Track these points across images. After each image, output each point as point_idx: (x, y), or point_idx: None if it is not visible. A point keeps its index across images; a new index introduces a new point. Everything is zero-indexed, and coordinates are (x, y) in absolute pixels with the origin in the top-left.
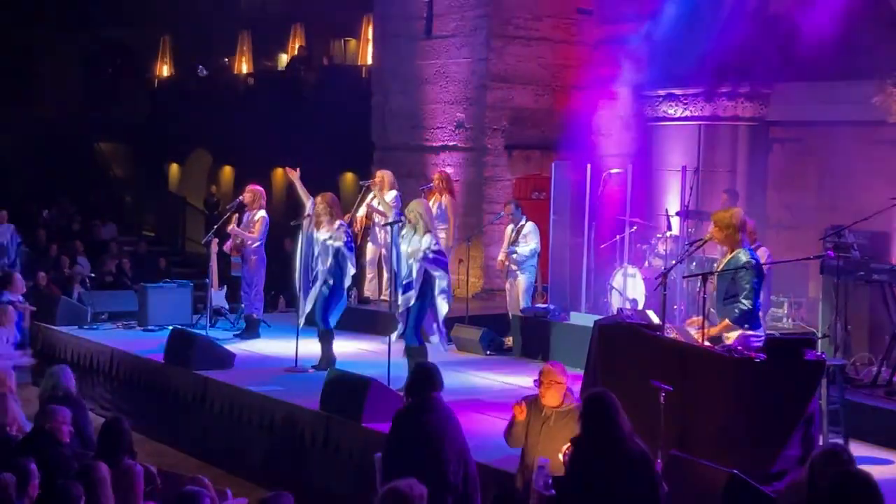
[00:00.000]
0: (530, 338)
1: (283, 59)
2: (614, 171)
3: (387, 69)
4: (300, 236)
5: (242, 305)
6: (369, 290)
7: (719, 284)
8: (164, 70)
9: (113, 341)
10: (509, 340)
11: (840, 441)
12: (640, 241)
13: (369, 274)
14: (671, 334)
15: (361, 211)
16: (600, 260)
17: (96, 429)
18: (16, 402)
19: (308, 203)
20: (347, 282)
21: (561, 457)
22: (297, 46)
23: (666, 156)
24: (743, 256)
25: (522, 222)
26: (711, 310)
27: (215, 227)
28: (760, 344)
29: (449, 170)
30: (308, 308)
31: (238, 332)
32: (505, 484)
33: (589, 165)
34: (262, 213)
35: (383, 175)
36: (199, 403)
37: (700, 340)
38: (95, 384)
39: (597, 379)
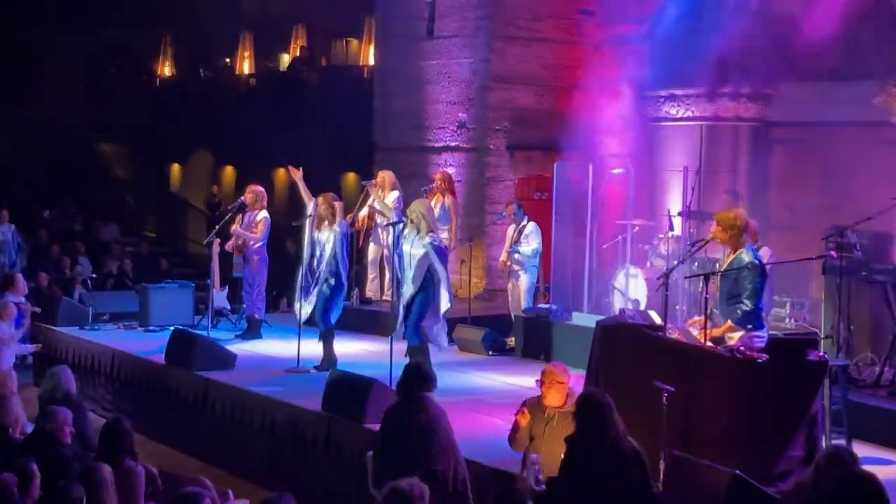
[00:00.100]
0: (532, 338)
1: (285, 59)
2: (616, 171)
3: (388, 70)
4: (304, 237)
5: (244, 306)
6: (371, 290)
7: (722, 285)
8: (166, 70)
9: (114, 342)
10: (511, 341)
11: (843, 441)
12: (642, 242)
13: (371, 274)
14: (673, 335)
15: (363, 211)
16: (602, 260)
17: (97, 430)
18: (18, 403)
19: (310, 204)
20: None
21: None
22: (298, 47)
23: (668, 156)
24: (746, 257)
25: (524, 222)
26: (715, 310)
27: (217, 227)
28: (763, 344)
29: (451, 170)
30: (308, 309)
31: (239, 333)
32: (506, 484)
33: (591, 166)
34: (264, 213)
35: (385, 176)
36: (200, 404)
37: (702, 341)
38: (97, 385)
39: (599, 379)
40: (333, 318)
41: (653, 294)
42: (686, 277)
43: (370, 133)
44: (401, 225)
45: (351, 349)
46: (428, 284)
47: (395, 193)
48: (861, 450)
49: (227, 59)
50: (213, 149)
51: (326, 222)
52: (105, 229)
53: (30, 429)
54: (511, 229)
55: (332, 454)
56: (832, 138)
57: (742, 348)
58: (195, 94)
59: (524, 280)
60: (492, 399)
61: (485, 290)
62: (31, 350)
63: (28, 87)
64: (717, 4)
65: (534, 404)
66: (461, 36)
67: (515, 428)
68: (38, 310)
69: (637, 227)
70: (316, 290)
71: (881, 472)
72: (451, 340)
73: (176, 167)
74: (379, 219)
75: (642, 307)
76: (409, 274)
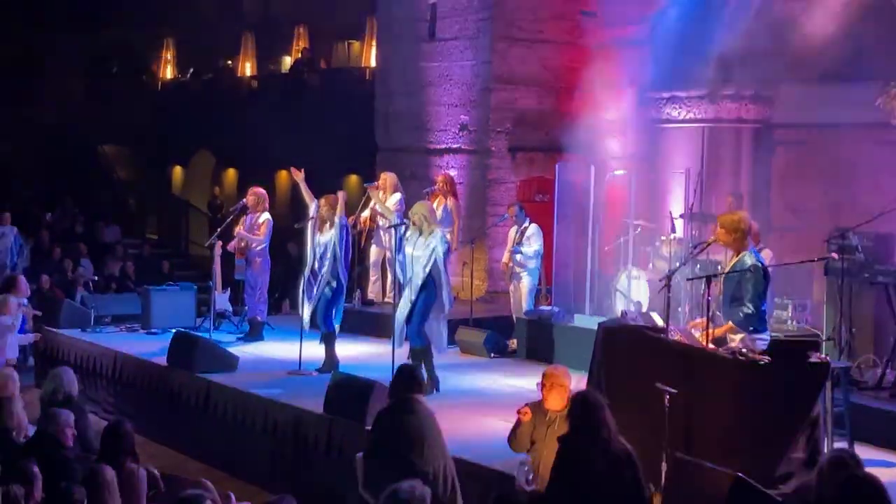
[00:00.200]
0: (534, 340)
1: (287, 61)
2: (618, 172)
3: (390, 71)
4: (306, 239)
5: (246, 308)
6: (373, 292)
7: (725, 288)
8: (168, 72)
9: (116, 344)
10: (513, 343)
11: (844, 444)
12: (644, 244)
13: (373, 276)
14: (675, 337)
15: (365, 213)
16: (604, 262)
17: (98, 432)
18: (20, 406)
19: (312, 206)
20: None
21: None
22: (300, 49)
23: (669, 158)
24: (748, 259)
25: (526, 224)
26: (717, 312)
27: (219, 229)
28: (765, 346)
29: (452, 172)
30: (310, 311)
31: (241, 335)
32: (506, 485)
33: (592, 167)
34: (267, 215)
35: (386, 178)
36: (202, 406)
37: (704, 343)
38: (99, 387)
39: (601, 381)
40: (336, 320)
41: (655, 296)
42: (688, 279)
43: (372, 135)
44: (402, 227)
45: (353, 351)
46: (430, 285)
47: (397, 195)
48: (863, 452)
49: (229, 61)
50: (214, 150)
51: (328, 224)
52: (107, 231)
53: (31, 431)
54: (513, 231)
55: (334, 456)
56: (834, 140)
57: (744, 350)
58: (197, 96)
59: (526, 282)
60: (493, 401)
61: (486, 292)
62: (31, 339)
63: (29, 89)
64: (718, 6)
65: (535, 407)
66: (463, 38)
67: (517, 425)
68: (38, 313)
69: (639, 229)
70: (317, 292)
71: (883, 475)
72: (452, 342)
73: (178, 169)
74: (380, 221)
75: (644, 309)
76: (412, 275)
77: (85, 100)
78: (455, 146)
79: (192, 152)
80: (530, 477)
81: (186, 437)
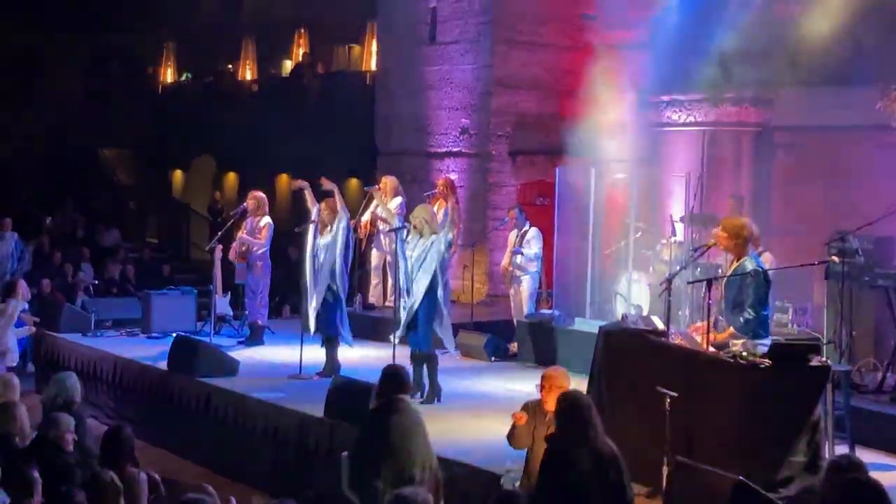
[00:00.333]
0: (535, 344)
1: (288, 65)
2: (618, 176)
3: (391, 75)
4: (306, 243)
5: (247, 312)
6: (374, 296)
7: (727, 293)
8: (168, 75)
9: (116, 349)
10: (514, 346)
11: (846, 447)
12: (645, 247)
13: (374, 280)
14: (676, 340)
15: (366, 217)
16: (605, 265)
17: (98, 438)
18: (23, 411)
19: (314, 210)
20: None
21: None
22: (301, 53)
23: (670, 161)
24: (749, 264)
25: (526, 227)
26: (720, 318)
27: (219, 233)
28: (765, 350)
29: (453, 176)
30: (314, 315)
31: (242, 339)
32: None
33: (593, 171)
34: (267, 219)
35: (387, 181)
36: (203, 411)
37: (705, 346)
38: (99, 392)
39: (601, 385)
40: (345, 327)
41: (655, 299)
42: (689, 283)
43: (372, 138)
44: (404, 231)
45: (354, 355)
46: (435, 292)
47: (398, 199)
48: (864, 456)
49: (230, 65)
50: (215, 154)
51: (329, 227)
52: (107, 235)
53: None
54: (513, 234)
55: (336, 461)
56: (835, 143)
57: (745, 353)
58: (197, 99)
59: (526, 285)
60: (493, 405)
61: (487, 295)
62: (27, 330)
63: (29, 90)
64: (718, 8)
65: (535, 408)
66: (463, 41)
67: (513, 428)
68: (36, 320)
69: (640, 233)
70: (318, 296)
71: (885, 479)
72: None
73: (178, 173)
74: (381, 225)
75: (645, 312)
76: (414, 279)
77: (85, 102)
78: (456, 150)
79: (192, 156)
80: (516, 484)
81: (187, 442)
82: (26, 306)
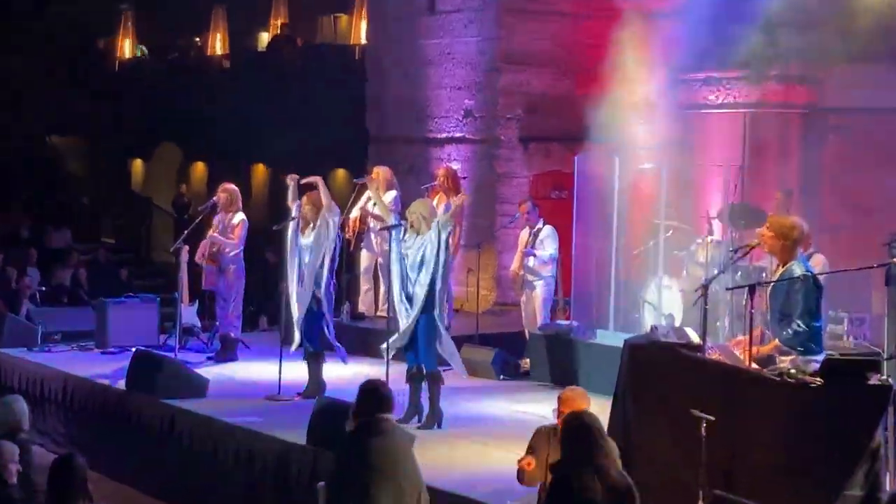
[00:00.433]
0: (550, 360)
1: (264, 37)
2: (646, 165)
3: (383, 49)
4: (286, 244)
5: (217, 323)
6: (364, 304)
7: (772, 302)
8: (126, 50)
9: (67, 366)
10: (526, 363)
11: None
12: (677, 248)
13: (364, 286)
14: (714, 355)
15: (354, 213)
16: (631, 269)
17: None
18: None
19: (293, 206)
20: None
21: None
22: (279, 23)
23: (706, 148)
24: (797, 269)
25: (539, 225)
26: (766, 331)
27: (186, 232)
28: (817, 366)
29: (456, 165)
30: (296, 327)
31: (212, 355)
32: None
33: (616, 159)
34: (241, 215)
35: (380, 172)
36: (166, 437)
37: (747, 363)
38: (47, 415)
39: (627, 407)
40: (330, 337)
41: (689, 308)
42: (728, 289)
43: (362, 122)
44: (400, 229)
45: (340, 372)
46: (432, 296)
47: (392, 193)
48: None
49: (197, 38)
50: (180, 141)
51: (312, 225)
52: (56, 235)
53: None
54: (524, 233)
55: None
56: (894, 126)
57: (793, 371)
58: (160, 78)
59: (540, 292)
60: (502, 430)
61: (495, 303)
62: None
63: None
64: None
65: (550, 435)
66: (466, 10)
67: (520, 471)
68: None
69: (671, 231)
70: (301, 305)
71: None
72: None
73: (138, 163)
74: (372, 222)
75: (678, 324)
76: (412, 285)
77: (29, 82)
78: (458, 135)
79: (154, 143)
80: None
81: (148, 473)
82: None
